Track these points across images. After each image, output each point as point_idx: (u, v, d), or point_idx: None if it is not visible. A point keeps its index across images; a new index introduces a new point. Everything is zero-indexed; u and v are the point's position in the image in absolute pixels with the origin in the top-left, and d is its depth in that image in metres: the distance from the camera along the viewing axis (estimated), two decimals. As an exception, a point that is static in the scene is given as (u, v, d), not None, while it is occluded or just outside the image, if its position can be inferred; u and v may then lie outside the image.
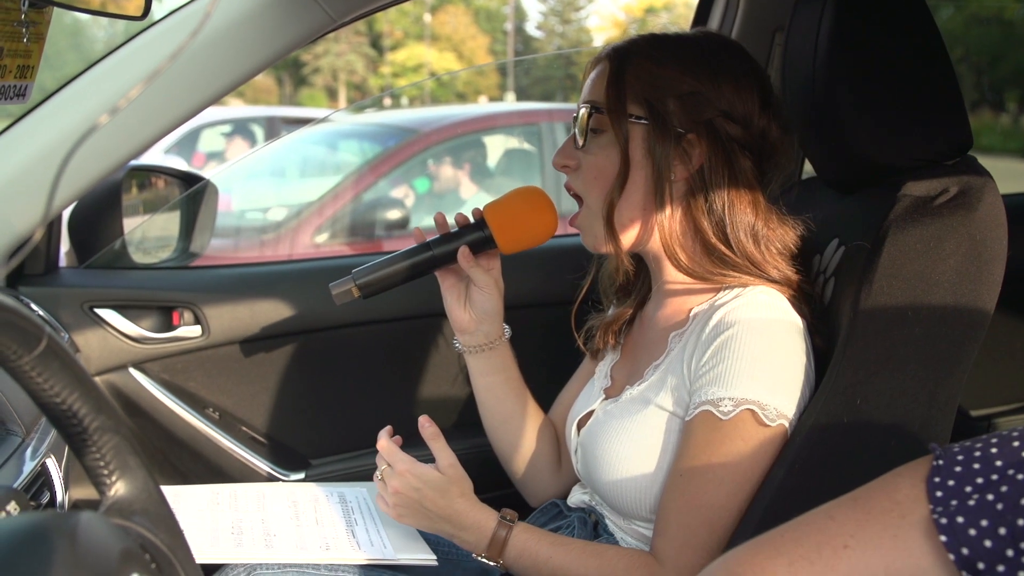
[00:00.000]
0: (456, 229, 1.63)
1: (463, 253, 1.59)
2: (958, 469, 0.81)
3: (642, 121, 1.45)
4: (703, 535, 1.36)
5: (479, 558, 1.48)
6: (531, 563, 1.45)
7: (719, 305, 1.43)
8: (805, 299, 1.46)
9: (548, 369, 1.93)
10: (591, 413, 1.60)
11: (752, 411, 1.34)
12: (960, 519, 0.79)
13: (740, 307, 1.40)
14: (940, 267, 1.33)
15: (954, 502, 0.80)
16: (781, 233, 1.47)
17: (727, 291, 1.46)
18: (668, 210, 1.46)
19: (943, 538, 0.79)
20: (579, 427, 1.62)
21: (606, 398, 1.60)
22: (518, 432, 1.75)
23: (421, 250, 1.61)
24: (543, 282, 1.80)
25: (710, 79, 1.45)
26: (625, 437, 1.47)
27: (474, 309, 1.67)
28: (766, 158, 1.51)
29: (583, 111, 1.50)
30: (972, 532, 0.78)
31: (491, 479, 1.84)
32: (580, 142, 1.51)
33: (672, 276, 1.52)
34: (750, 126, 1.47)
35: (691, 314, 1.49)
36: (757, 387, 1.34)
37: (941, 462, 0.83)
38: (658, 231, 1.48)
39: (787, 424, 1.36)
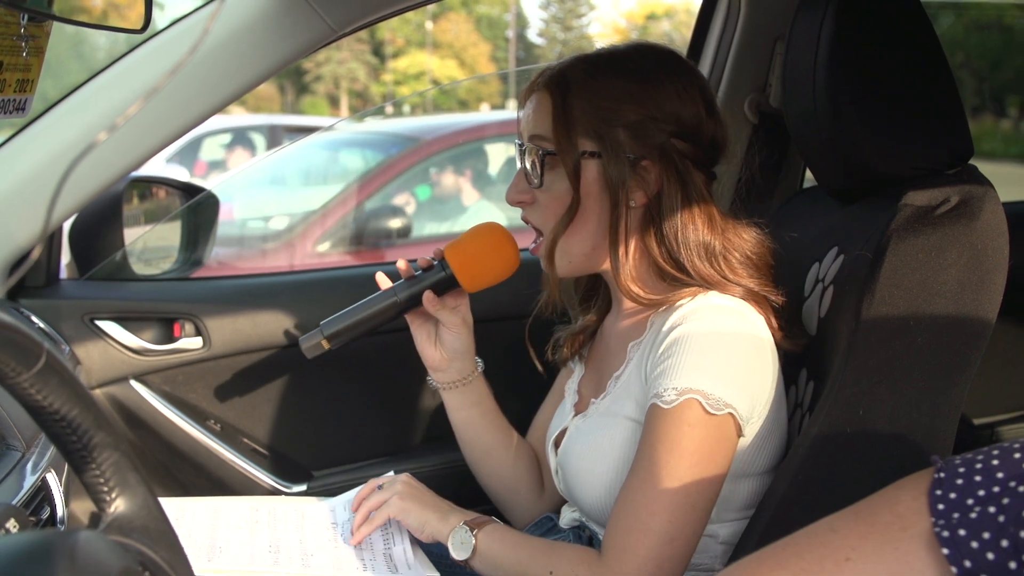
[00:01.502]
0: (419, 272, 1.62)
1: (427, 297, 1.60)
2: (960, 482, 0.81)
3: (595, 155, 1.45)
4: (643, 517, 1.33)
5: (457, 529, 1.47)
6: (498, 548, 1.45)
7: (675, 308, 1.42)
8: (768, 305, 1.45)
9: (516, 382, 1.91)
10: (565, 431, 1.60)
11: (696, 400, 1.33)
12: (962, 532, 0.78)
13: (695, 308, 1.40)
14: (942, 277, 1.32)
15: (956, 515, 0.79)
16: (739, 243, 1.46)
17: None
18: (623, 238, 1.46)
19: (945, 551, 0.79)
20: (556, 446, 1.62)
21: (576, 414, 1.60)
22: (499, 462, 1.76)
23: (386, 296, 1.62)
24: (510, 295, 1.80)
25: (654, 98, 1.44)
26: (598, 454, 1.47)
27: (444, 348, 1.68)
28: (717, 163, 1.51)
29: (532, 148, 1.48)
30: (974, 545, 0.78)
31: (479, 494, 1.83)
32: (535, 180, 1.49)
33: (628, 302, 1.53)
34: (700, 137, 1.47)
35: (648, 322, 1.49)
36: (701, 377, 1.33)
37: (943, 474, 0.83)
38: (612, 258, 1.47)
39: (735, 414, 1.34)
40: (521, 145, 1.52)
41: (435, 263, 1.62)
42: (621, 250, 1.46)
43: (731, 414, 1.34)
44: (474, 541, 1.45)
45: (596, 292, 1.67)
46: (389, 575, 1.46)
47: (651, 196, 1.45)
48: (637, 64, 1.48)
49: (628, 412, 1.45)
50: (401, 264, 1.65)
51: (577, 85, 1.47)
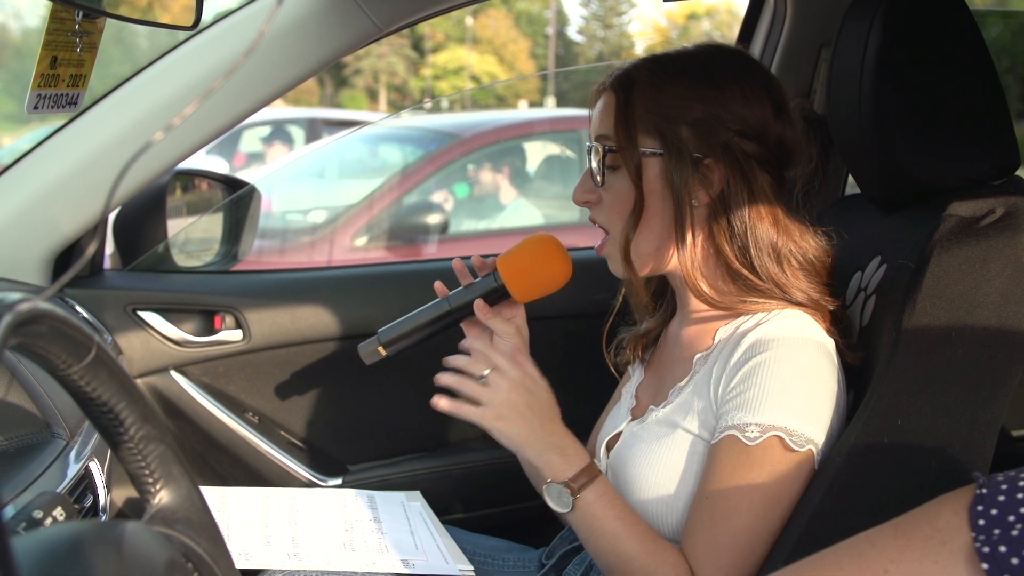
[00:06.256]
0: (477, 279, 1.62)
1: (478, 306, 1.58)
2: (1002, 499, 0.81)
3: (658, 153, 1.44)
4: (732, 557, 1.35)
5: (554, 484, 1.45)
6: (600, 512, 1.43)
7: (746, 330, 1.41)
8: (832, 319, 1.44)
9: (572, 382, 1.90)
10: (619, 435, 1.59)
11: (779, 437, 1.33)
12: (1003, 548, 0.78)
13: (768, 332, 1.38)
14: (985, 289, 1.31)
15: (997, 531, 0.79)
16: (803, 246, 1.45)
17: (751, 315, 1.44)
18: (690, 237, 1.44)
19: (985, 566, 0.78)
20: (608, 448, 1.61)
21: (632, 419, 1.59)
22: None
23: (440, 305, 1.62)
24: (571, 294, 1.80)
25: (718, 99, 1.43)
26: (654, 462, 1.46)
27: None
28: (785, 165, 1.50)
29: (597, 147, 1.48)
30: (1015, 561, 0.77)
31: (524, 490, 1.84)
32: (599, 179, 1.49)
33: (695, 304, 1.51)
34: (765, 138, 1.45)
35: (716, 337, 1.47)
36: (784, 413, 1.33)
37: (984, 491, 0.82)
38: (679, 258, 1.46)
39: (815, 450, 1.35)
40: (589, 146, 1.53)
41: (490, 271, 1.62)
42: (689, 248, 1.45)
43: (811, 449, 1.34)
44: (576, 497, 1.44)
45: (663, 296, 1.66)
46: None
47: (714, 196, 1.44)
48: (703, 64, 1.47)
49: (688, 425, 1.44)
50: (456, 263, 1.64)
51: (641, 84, 1.46)
